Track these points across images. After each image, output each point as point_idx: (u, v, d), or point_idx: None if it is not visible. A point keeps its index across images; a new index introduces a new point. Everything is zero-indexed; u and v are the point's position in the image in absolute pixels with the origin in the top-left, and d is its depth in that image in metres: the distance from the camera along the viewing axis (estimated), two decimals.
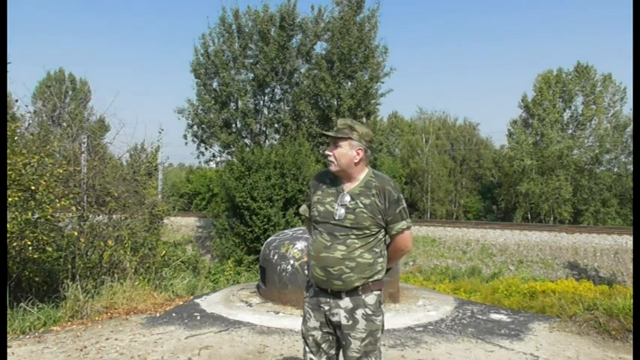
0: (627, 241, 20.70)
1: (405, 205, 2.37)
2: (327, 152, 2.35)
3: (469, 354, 3.94)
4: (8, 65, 5.80)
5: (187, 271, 8.09)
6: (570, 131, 37.67)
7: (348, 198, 2.29)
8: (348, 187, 2.34)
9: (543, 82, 37.48)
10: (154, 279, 6.32)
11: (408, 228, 2.37)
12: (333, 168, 2.32)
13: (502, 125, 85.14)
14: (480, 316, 5.06)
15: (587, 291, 11.58)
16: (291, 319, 4.82)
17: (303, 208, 2.56)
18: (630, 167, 34.57)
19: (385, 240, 2.40)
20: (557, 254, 21.79)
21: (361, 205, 2.27)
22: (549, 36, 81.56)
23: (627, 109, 36.52)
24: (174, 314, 5.13)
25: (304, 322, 2.44)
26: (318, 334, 2.38)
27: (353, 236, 2.26)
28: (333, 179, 2.38)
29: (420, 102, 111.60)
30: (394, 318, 4.88)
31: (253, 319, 4.87)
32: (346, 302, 2.30)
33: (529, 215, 37.06)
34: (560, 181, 34.78)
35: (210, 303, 5.55)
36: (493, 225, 26.12)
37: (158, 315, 5.13)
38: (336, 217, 2.28)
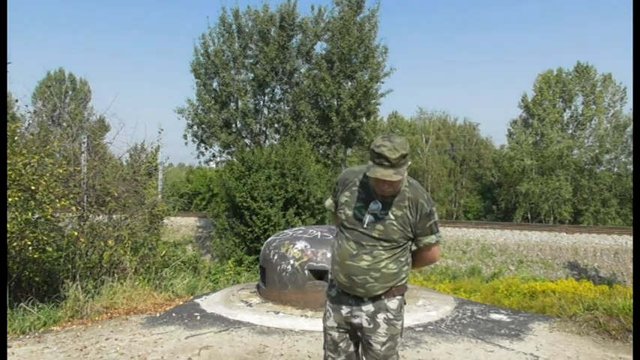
0: (627, 241, 20.69)
1: (437, 218, 2.27)
2: (384, 189, 2.11)
3: (469, 354, 3.94)
4: (8, 65, 5.81)
5: (187, 271, 8.08)
6: (570, 131, 37.65)
7: (379, 206, 2.18)
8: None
9: (543, 82, 37.48)
10: (154, 279, 6.32)
11: (437, 243, 2.29)
12: (388, 195, 2.16)
13: (502, 125, 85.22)
14: (480, 316, 5.06)
15: (587, 291, 11.56)
16: (291, 319, 4.82)
17: (329, 203, 2.48)
18: (630, 167, 34.56)
19: (410, 248, 2.33)
20: (557, 254, 21.79)
21: (392, 217, 2.17)
22: (549, 36, 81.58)
23: (627, 109, 36.55)
24: (174, 314, 5.13)
25: (324, 319, 2.44)
26: (335, 333, 2.37)
27: (380, 247, 2.19)
28: (365, 182, 2.23)
29: (420, 102, 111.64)
30: None
31: (253, 319, 4.87)
32: (368, 306, 2.28)
33: (529, 215, 37.05)
34: (560, 181, 34.77)
35: (210, 303, 5.55)
36: (493, 225, 26.10)
37: (158, 315, 5.12)
38: (365, 226, 2.19)
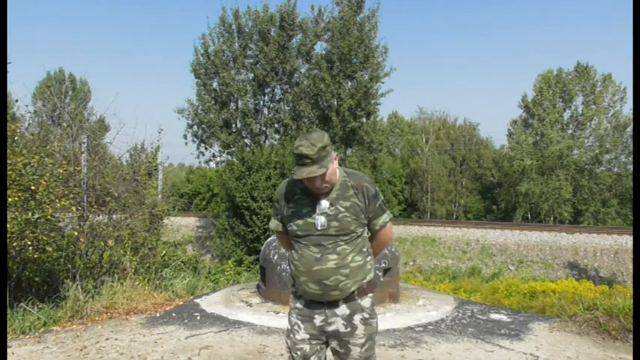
0: (627, 241, 20.69)
1: (382, 197, 2.30)
2: (317, 186, 2.11)
3: (469, 354, 3.94)
4: (8, 65, 5.80)
5: (187, 271, 8.08)
6: (570, 131, 37.66)
7: (326, 204, 2.16)
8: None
9: (543, 82, 37.48)
10: (154, 279, 6.31)
11: (390, 220, 2.32)
12: (326, 190, 2.16)
13: (502, 125, 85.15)
14: (480, 316, 5.06)
15: (587, 291, 11.57)
16: None
17: (274, 224, 2.40)
18: (630, 167, 34.56)
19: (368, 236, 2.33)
20: (557, 254, 21.79)
21: (342, 209, 2.16)
22: (549, 36, 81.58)
23: (627, 109, 36.56)
24: (174, 314, 5.13)
25: (290, 334, 2.29)
26: (307, 347, 2.25)
27: (342, 242, 2.16)
28: (304, 187, 2.19)
29: (420, 102, 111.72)
30: (394, 318, 4.88)
31: (253, 319, 4.87)
32: (343, 309, 2.22)
33: (529, 215, 37.05)
34: (560, 181, 34.77)
35: (210, 303, 5.55)
36: (493, 225, 26.11)
37: (158, 315, 5.13)
38: (319, 228, 2.15)
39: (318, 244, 2.17)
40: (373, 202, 2.23)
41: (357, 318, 2.22)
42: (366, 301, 2.26)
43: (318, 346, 2.27)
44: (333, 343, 2.26)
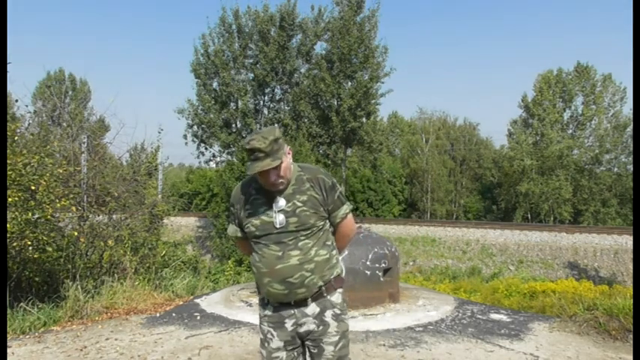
0: (627, 241, 20.69)
1: (340, 188, 2.24)
2: (273, 181, 2.04)
3: (469, 354, 3.94)
4: (8, 65, 5.80)
5: (187, 271, 8.07)
6: (570, 131, 37.68)
7: (283, 202, 2.09)
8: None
9: (543, 82, 37.50)
10: (154, 279, 6.31)
11: (351, 211, 2.27)
12: (282, 187, 2.09)
13: (502, 125, 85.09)
14: (480, 316, 5.06)
15: (587, 291, 11.56)
16: None
17: (232, 229, 2.29)
18: (630, 167, 34.58)
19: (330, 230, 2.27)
20: (557, 254, 21.80)
21: (299, 204, 2.09)
22: (549, 36, 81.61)
23: (627, 109, 36.57)
24: (174, 314, 5.13)
25: (265, 344, 2.21)
26: (283, 354, 2.17)
27: (303, 237, 2.09)
28: (259, 187, 2.13)
29: (420, 102, 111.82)
30: (394, 318, 4.88)
31: (253, 319, 4.86)
32: (313, 308, 2.14)
33: (529, 215, 37.07)
34: (560, 181, 34.79)
35: (210, 303, 5.55)
36: (493, 225, 26.12)
37: (158, 315, 5.13)
38: (278, 226, 2.08)
39: (278, 241, 2.09)
40: (331, 193, 2.16)
41: (328, 314, 2.15)
42: (335, 297, 2.18)
43: (295, 352, 2.20)
44: (308, 343, 2.18)
